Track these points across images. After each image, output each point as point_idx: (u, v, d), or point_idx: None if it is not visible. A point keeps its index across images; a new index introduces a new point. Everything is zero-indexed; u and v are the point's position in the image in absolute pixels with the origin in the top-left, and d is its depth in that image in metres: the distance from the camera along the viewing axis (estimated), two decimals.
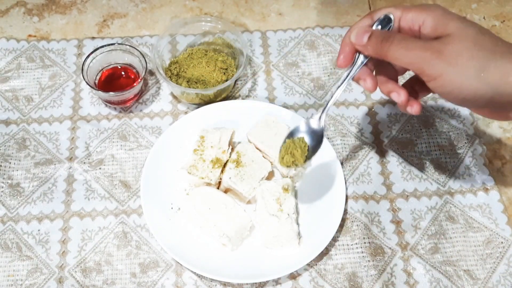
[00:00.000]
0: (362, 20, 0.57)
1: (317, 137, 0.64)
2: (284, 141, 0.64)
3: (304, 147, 0.64)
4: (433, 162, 0.76)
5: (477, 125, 0.79)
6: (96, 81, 0.80)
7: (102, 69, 0.81)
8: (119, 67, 0.82)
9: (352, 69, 0.57)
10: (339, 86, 0.59)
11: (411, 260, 0.69)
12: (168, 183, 0.72)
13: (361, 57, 0.57)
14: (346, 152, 0.77)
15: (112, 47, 0.80)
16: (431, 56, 0.50)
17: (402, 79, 0.61)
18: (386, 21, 0.56)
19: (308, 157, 0.63)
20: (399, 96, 0.56)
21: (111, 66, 0.82)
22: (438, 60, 0.50)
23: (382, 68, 0.59)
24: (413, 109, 0.56)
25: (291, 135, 0.64)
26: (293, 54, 0.86)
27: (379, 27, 0.56)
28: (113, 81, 0.81)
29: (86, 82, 0.77)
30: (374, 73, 0.59)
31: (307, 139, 0.64)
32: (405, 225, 0.71)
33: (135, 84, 0.77)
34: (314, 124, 0.64)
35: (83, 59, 0.79)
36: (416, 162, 0.76)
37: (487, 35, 0.51)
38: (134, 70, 0.81)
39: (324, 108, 0.62)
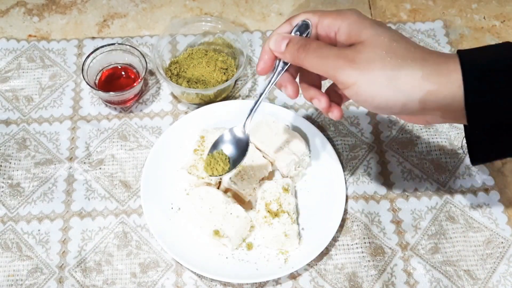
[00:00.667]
0: (281, 26, 0.57)
1: (242, 146, 0.64)
2: (208, 154, 0.64)
3: (226, 160, 0.64)
4: (433, 162, 0.76)
5: None
6: (96, 81, 0.80)
7: (102, 69, 0.81)
8: (119, 67, 0.82)
9: (273, 76, 0.57)
10: (261, 94, 0.59)
11: (411, 260, 0.69)
12: (168, 183, 0.72)
13: (281, 64, 0.57)
14: (346, 152, 0.77)
15: (112, 47, 0.80)
16: (344, 64, 0.50)
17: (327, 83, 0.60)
18: (304, 27, 0.55)
19: (229, 169, 0.64)
20: (320, 102, 0.56)
21: (111, 66, 0.82)
22: (350, 68, 0.50)
23: (305, 74, 0.58)
24: (334, 114, 0.56)
25: (214, 145, 0.65)
26: None
27: (298, 33, 0.55)
28: (113, 81, 0.81)
29: (86, 82, 0.77)
30: (298, 79, 0.59)
31: (230, 149, 0.64)
32: (405, 225, 0.71)
33: (135, 84, 0.77)
34: (239, 133, 0.64)
35: (83, 59, 0.79)
36: (416, 162, 0.76)
37: (401, 42, 0.50)
38: (134, 70, 0.81)
39: (248, 116, 0.62)
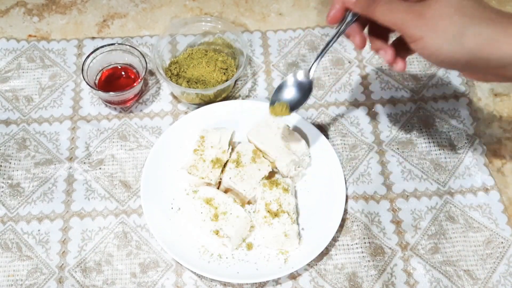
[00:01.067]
0: None
1: (304, 89, 0.67)
2: (269, 105, 0.68)
3: (286, 108, 0.67)
4: (433, 162, 0.76)
5: (477, 125, 0.79)
6: (96, 81, 0.80)
7: (102, 69, 0.81)
8: (119, 67, 0.82)
9: (343, 25, 0.60)
10: (329, 41, 0.62)
11: (411, 260, 0.69)
12: (168, 183, 0.72)
13: (351, 15, 0.59)
14: (346, 152, 0.77)
15: (112, 47, 0.80)
16: (413, 18, 0.53)
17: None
18: None
19: (289, 113, 0.67)
20: (386, 54, 0.59)
21: (111, 66, 0.82)
22: (419, 22, 0.52)
23: (374, 26, 0.60)
24: (398, 66, 0.59)
25: (278, 89, 0.68)
26: (293, 54, 0.86)
27: None
28: (113, 81, 0.81)
29: (86, 82, 0.77)
30: (367, 31, 0.61)
31: (293, 92, 0.67)
32: (405, 225, 0.71)
33: (135, 84, 0.77)
34: (301, 77, 0.67)
35: (83, 59, 0.79)
36: (416, 162, 0.76)
37: (470, 1, 0.52)
38: (134, 70, 0.81)
39: (315, 60, 0.64)
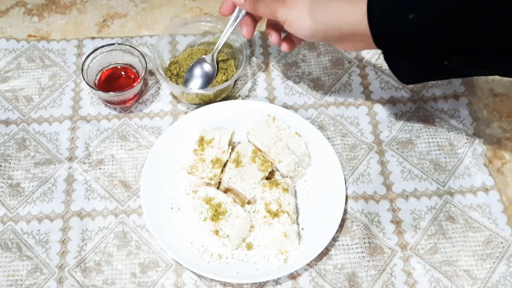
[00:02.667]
0: None
1: (210, 75, 0.79)
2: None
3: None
4: (433, 162, 0.76)
5: (477, 125, 0.79)
6: (96, 81, 0.80)
7: (102, 69, 0.81)
8: (119, 67, 0.82)
9: (236, 18, 0.74)
10: (226, 30, 0.76)
11: (411, 260, 0.69)
12: (168, 183, 0.72)
13: (243, 11, 0.73)
14: (346, 152, 0.77)
15: (112, 47, 0.80)
16: (279, 5, 0.66)
17: None
18: None
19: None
20: (271, 37, 0.72)
21: (111, 66, 0.82)
22: (282, 8, 0.65)
23: (269, 19, 0.73)
24: (283, 46, 0.73)
25: (186, 80, 0.79)
26: (293, 54, 0.86)
27: None
28: (113, 81, 0.81)
29: (86, 82, 0.77)
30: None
31: (199, 82, 0.79)
32: (405, 225, 0.71)
33: (135, 84, 0.77)
34: (207, 65, 0.79)
35: (83, 59, 0.79)
36: (416, 162, 0.76)
37: None
38: (134, 70, 0.81)
39: (215, 49, 0.78)
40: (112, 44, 0.80)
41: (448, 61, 0.58)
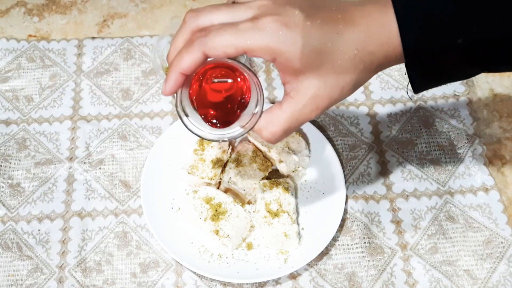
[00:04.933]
0: None
1: None
2: None
3: None
4: (433, 162, 0.76)
5: (477, 125, 0.79)
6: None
7: None
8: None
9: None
10: None
11: (411, 260, 0.69)
12: (168, 183, 0.72)
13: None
14: (346, 152, 0.77)
15: None
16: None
17: None
18: None
19: None
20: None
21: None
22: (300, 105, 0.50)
23: None
24: None
25: None
26: None
27: None
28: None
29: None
30: None
31: None
32: (405, 225, 0.71)
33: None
34: None
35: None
36: (416, 162, 0.76)
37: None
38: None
39: None
40: None
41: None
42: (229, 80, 0.53)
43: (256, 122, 0.51)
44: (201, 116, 0.54)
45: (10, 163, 0.75)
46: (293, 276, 0.67)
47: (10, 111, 0.80)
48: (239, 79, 0.53)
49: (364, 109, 0.81)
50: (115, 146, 0.77)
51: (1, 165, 0.75)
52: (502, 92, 0.82)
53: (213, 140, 0.55)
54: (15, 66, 0.84)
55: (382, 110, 0.81)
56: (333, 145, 0.76)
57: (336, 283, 0.67)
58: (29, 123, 0.79)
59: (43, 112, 0.80)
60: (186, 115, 0.53)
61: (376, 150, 0.77)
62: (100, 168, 0.75)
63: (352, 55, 0.47)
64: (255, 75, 0.50)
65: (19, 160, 0.76)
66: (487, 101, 0.82)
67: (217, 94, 0.54)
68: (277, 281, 0.67)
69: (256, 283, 0.67)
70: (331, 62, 0.46)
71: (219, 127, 0.54)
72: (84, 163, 0.76)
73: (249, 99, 0.53)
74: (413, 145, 0.77)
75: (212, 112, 0.55)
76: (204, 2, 0.92)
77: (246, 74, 0.51)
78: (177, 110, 0.52)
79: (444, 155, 0.76)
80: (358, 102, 0.81)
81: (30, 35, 0.88)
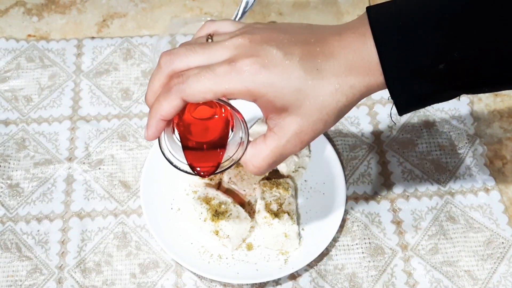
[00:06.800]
0: None
1: None
2: None
3: None
4: (433, 162, 0.76)
5: (478, 125, 0.79)
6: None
7: None
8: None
9: None
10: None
11: (411, 261, 0.68)
12: (168, 183, 0.72)
13: None
14: (346, 152, 0.77)
15: None
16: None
17: None
18: None
19: None
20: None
21: None
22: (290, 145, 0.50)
23: None
24: None
25: None
26: None
27: None
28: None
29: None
30: None
31: None
32: (406, 225, 0.71)
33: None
34: None
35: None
36: (417, 162, 0.76)
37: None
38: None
39: None
40: None
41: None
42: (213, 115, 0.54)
43: (243, 153, 0.50)
44: (187, 162, 0.54)
45: (9, 163, 0.75)
46: (293, 276, 0.67)
47: (9, 111, 0.80)
48: (222, 109, 0.53)
49: (364, 109, 0.81)
50: (114, 146, 0.77)
51: (0, 165, 0.75)
52: (503, 92, 0.82)
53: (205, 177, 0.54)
54: (14, 66, 0.84)
55: (382, 110, 0.80)
56: (333, 145, 0.76)
57: (337, 283, 0.67)
58: (28, 123, 0.79)
59: (42, 112, 0.80)
60: (174, 157, 0.53)
61: (377, 150, 0.77)
62: (99, 169, 0.75)
63: (334, 90, 0.47)
64: (237, 110, 0.49)
65: (18, 160, 0.75)
66: (488, 101, 0.82)
67: (200, 122, 0.54)
68: (277, 282, 0.67)
69: (256, 283, 0.67)
70: (313, 99, 0.47)
71: (204, 176, 0.54)
72: (84, 163, 0.75)
73: (234, 129, 0.53)
74: (414, 145, 0.77)
75: (196, 146, 0.55)
76: (204, 2, 0.92)
77: (228, 107, 0.50)
78: (163, 153, 0.51)
79: (444, 155, 0.76)
80: (359, 102, 0.81)
81: (29, 35, 0.88)
